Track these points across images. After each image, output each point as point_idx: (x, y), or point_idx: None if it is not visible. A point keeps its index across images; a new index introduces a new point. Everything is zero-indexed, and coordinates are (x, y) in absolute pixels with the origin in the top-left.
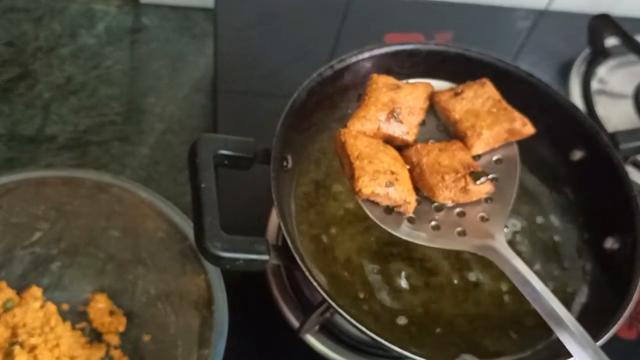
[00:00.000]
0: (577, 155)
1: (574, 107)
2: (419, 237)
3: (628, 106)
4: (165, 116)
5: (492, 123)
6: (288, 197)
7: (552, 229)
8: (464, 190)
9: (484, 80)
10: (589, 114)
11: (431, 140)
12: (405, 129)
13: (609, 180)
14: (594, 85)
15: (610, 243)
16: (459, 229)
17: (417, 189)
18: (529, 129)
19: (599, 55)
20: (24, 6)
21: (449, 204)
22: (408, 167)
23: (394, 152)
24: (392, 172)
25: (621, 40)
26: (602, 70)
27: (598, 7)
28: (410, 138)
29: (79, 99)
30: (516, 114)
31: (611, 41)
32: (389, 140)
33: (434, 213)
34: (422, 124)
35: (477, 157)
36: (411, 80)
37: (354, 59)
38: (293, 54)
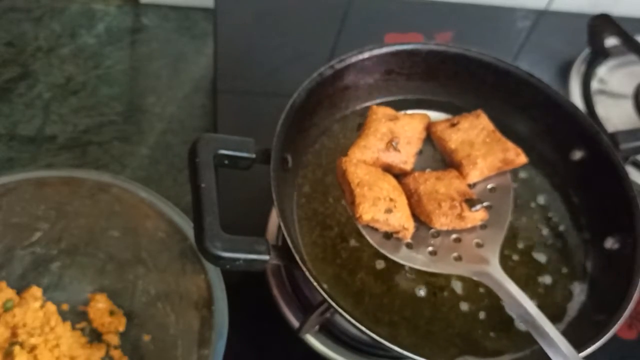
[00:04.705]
0: (577, 155)
1: (574, 107)
2: (417, 261)
3: (628, 106)
4: (165, 116)
5: (486, 153)
6: (288, 197)
7: (553, 228)
8: (460, 217)
9: (479, 111)
10: (589, 114)
11: (428, 169)
12: (403, 158)
13: (609, 180)
14: (594, 85)
15: (610, 243)
16: (455, 254)
17: (414, 216)
18: (522, 159)
19: (599, 55)
20: (24, 6)
21: (445, 230)
22: (406, 193)
23: (392, 180)
24: (391, 199)
25: (621, 40)
26: (602, 70)
27: (598, 7)
28: (408, 167)
29: (79, 99)
30: (509, 145)
31: (611, 41)
32: (387, 169)
33: (431, 239)
34: (420, 153)
35: (472, 186)
36: (409, 112)
37: (354, 59)
38: (293, 54)
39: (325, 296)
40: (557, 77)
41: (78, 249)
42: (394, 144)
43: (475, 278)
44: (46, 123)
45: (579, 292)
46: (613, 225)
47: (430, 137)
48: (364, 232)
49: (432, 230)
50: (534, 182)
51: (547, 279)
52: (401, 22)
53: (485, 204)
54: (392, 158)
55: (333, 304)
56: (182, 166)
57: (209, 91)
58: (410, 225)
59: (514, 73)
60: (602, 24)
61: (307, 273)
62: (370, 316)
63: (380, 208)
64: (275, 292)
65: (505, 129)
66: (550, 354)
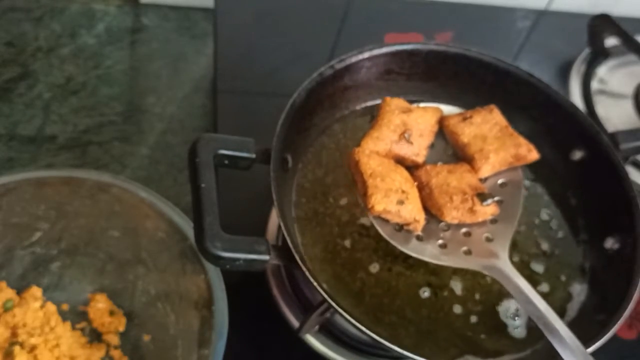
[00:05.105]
0: (577, 155)
1: (574, 107)
2: (427, 254)
3: (628, 106)
4: (165, 116)
5: (499, 148)
6: (288, 197)
7: (553, 229)
8: (471, 211)
9: (492, 106)
10: (589, 114)
11: (440, 162)
12: (415, 150)
13: (609, 181)
14: (594, 85)
15: (610, 243)
16: (464, 248)
17: (425, 209)
18: (533, 155)
19: (599, 55)
20: (24, 6)
21: (456, 223)
22: (417, 186)
23: (404, 172)
24: (403, 191)
25: (621, 40)
26: (602, 70)
27: (598, 7)
28: (420, 159)
29: (79, 99)
30: (522, 140)
31: (611, 41)
32: (399, 161)
33: (441, 232)
34: (432, 146)
35: (483, 180)
36: (422, 104)
37: (354, 59)
38: (293, 54)
39: (325, 296)
40: (557, 77)
41: (78, 249)
42: (406, 136)
43: (484, 272)
44: (46, 123)
45: (578, 292)
46: (613, 225)
47: (443, 131)
48: (374, 223)
49: (443, 224)
50: (534, 182)
51: (544, 287)
52: (401, 22)
53: (496, 198)
54: (404, 150)
55: (333, 304)
56: (182, 166)
57: (209, 91)
58: (421, 217)
59: (514, 73)
60: (602, 24)
61: (307, 273)
62: (370, 316)
63: (392, 199)
64: (275, 292)
65: None
66: (558, 348)
